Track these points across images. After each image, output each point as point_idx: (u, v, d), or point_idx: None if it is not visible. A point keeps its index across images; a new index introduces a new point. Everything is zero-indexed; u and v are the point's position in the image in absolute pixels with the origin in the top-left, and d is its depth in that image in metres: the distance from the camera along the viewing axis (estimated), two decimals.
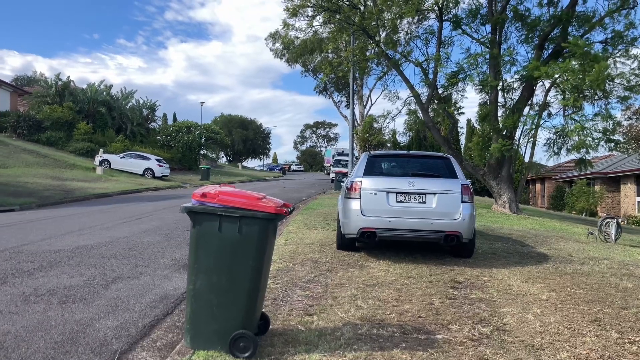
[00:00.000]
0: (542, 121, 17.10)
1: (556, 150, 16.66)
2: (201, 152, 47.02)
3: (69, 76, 44.34)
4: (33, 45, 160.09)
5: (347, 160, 30.28)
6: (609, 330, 4.49)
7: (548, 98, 17.54)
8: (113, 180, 26.41)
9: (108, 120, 39.45)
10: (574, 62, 13.73)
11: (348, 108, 38.42)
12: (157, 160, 32.73)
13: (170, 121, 56.13)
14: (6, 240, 8.64)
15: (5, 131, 34.46)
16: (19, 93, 45.32)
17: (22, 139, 33.31)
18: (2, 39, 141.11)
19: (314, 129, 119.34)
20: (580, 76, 13.50)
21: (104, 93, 40.64)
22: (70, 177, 24.30)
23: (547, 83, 16.88)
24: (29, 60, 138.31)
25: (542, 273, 6.93)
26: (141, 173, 31.42)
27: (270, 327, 4.21)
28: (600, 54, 14.34)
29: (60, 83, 38.89)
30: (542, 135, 22.17)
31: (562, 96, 16.23)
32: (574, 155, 16.59)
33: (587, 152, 15.62)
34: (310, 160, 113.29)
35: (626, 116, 32.12)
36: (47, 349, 3.87)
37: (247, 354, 3.56)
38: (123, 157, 32.05)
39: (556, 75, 14.77)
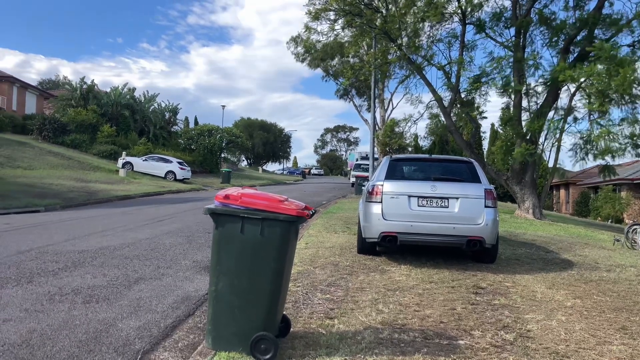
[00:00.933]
0: (567, 126, 16.85)
1: (582, 156, 16.38)
2: (222, 155, 47.40)
3: (93, 80, 45.04)
4: (58, 50, 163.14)
5: (368, 164, 30.20)
6: (636, 339, 4.38)
7: (573, 102, 17.29)
8: (135, 182, 26.73)
9: (131, 123, 40.01)
10: (599, 66, 13.50)
11: (369, 112, 38.38)
12: (179, 163, 33.07)
13: (191, 124, 56.77)
14: (32, 241, 8.79)
15: (31, 134, 35.15)
16: (45, 96, 46.27)
17: (47, 142, 33.94)
18: (29, 44, 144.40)
19: (335, 132, 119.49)
20: (606, 80, 13.27)
21: (127, 96, 41.24)
22: (93, 179, 24.67)
23: (572, 87, 16.62)
24: (55, 64, 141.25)
25: (567, 280, 6.81)
26: (163, 176, 31.77)
27: (291, 329, 4.20)
28: (627, 58, 14.07)
29: (84, 86, 39.59)
30: (567, 140, 21.90)
31: (587, 100, 15.97)
32: (600, 161, 16.29)
33: (613, 158, 15.33)
34: (331, 164, 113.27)
35: None
36: (71, 348, 3.91)
37: (268, 356, 3.56)
38: (145, 159, 32.46)
39: (582, 79, 14.53)
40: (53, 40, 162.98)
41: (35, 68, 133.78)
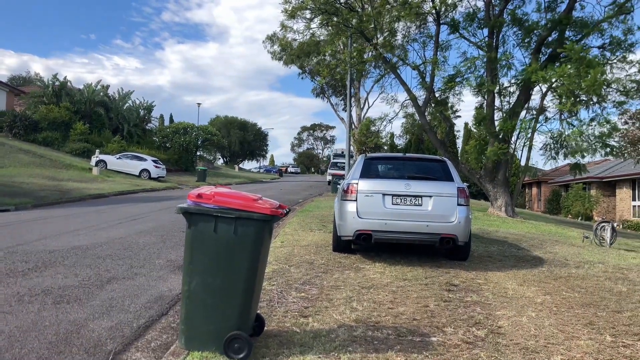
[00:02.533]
0: (538, 125, 17.13)
1: (553, 155, 16.70)
2: (198, 153, 47.00)
3: (65, 76, 44.16)
4: (29, 45, 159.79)
5: (344, 163, 30.30)
6: (603, 334, 4.50)
7: (544, 102, 17.61)
8: (109, 181, 26.35)
9: (105, 120, 39.39)
10: (570, 67, 13.77)
11: (345, 111, 38.48)
12: (154, 161, 32.69)
13: (167, 122, 56.17)
14: (1, 241, 8.61)
15: (2, 131, 34.37)
16: (16, 93, 45.20)
17: (18, 139, 33.22)
18: None
19: (311, 131, 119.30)
20: (577, 81, 13.55)
21: (101, 93, 40.60)
22: (66, 178, 24.23)
23: (544, 87, 16.93)
24: (25, 60, 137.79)
25: (538, 276, 6.94)
26: (137, 174, 31.38)
27: (265, 328, 4.21)
28: (595, 59, 14.39)
29: (57, 83, 38.81)
30: (539, 140, 22.27)
31: (558, 100, 16.27)
32: (570, 160, 16.65)
33: (583, 157, 15.67)
34: (307, 162, 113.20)
35: (622, 120, 32.22)
36: (41, 349, 3.85)
37: (241, 355, 3.56)
38: (119, 157, 32.01)
39: (553, 80, 14.81)
40: (23, 36, 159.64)
41: (4, 64, 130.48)
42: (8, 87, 45.25)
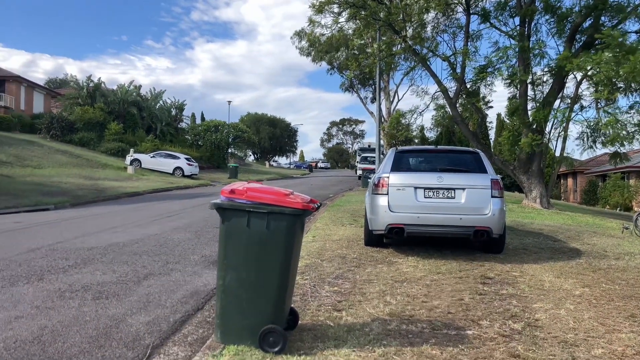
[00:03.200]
0: (573, 114, 16.72)
1: (590, 144, 16.27)
2: (229, 150, 47.49)
3: (99, 77, 45.21)
4: (64, 49, 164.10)
5: (374, 157, 30.15)
6: None
7: (580, 91, 17.15)
8: (144, 179, 26.87)
9: (138, 120, 40.15)
10: (607, 54, 13.36)
11: (374, 104, 38.26)
12: (187, 159, 33.19)
13: (198, 120, 56.83)
14: (42, 238, 8.87)
15: (40, 133, 35.39)
16: (52, 95, 46.53)
17: (55, 140, 34.14)
18: (35, 43, 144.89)
19: (340, 126, 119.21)
20: (614, 68, 13.14)
21: (134, 94, 41.39)
22: (102, 177, 24.81)
23: (579, 76, 16.49)
24: (61, 63, 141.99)
25: (575, 268, 6.79)
26: (171, 172, 31.91)
27: (299, 322, 4.23)
28: (634, 45, 13.92)
29: (91, 85, 39.73)
30: (574, 129, 21.76)
31: (594, 89, 15.83)
32: (609, 149, 16.18)
33: (622, 145, 15.21)
34: (337, 157, 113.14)
35: None
36: (82, 343, 3.96)
37: (276, 349, 3.59)
38: (153, 156, 32.60)
39: (588, 68, 14.40)
40: (58, 39, 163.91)
41: (41, 67, 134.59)
42: (45, 90, 46.61)
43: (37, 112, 41.44)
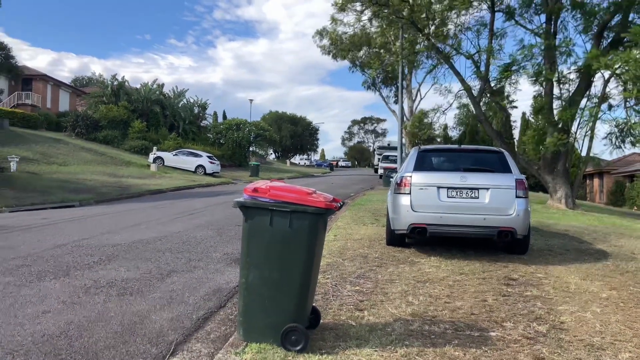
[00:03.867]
0: (600, 114, 16.40)
1: (618, 144, 15.93)
2: (250, 149, 47.74)
3: (123, 76, 45.81)
4: (89, 47, 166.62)
5: (396, 156, 30.00)
6: None
7: (607, 89, 16.81)
8: (166, 177, 27.16)
9: (161, 118, 40.61)
10: (636, 52, 13.07)
11: (397, 103, 38.03)
12: (209, 157, 33.46)
13: (220, 119, 57.29)
14: (68, 235, 9.02)
15: (65, 130, 36.04)
16: (77, 94, 47.37)
17: (80, 138, 34.72)
18: (61, 42, 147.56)
19: (362, 124, 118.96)
20: None
21: (157, 92, 41.86)
22: (126, 174, 25.15)
23: (606, 74, 16.16)
24: (85, 62, 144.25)
25: (602, 271, 6.66)
26: (193, 170, 32.21)
27: (321, 321, 4.23)
28: None
29: (115, 83, 40.29)
30: (601, 129, 21.36)
31: (623, 87, 15.50)
32: (638, 149, 15.85)
33: None
34: (358, 156, 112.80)
35: None
36: (107, 339, 4.02)
37: (298, 347, 3.59)
38: (176, 154, 32.94)
39: (616, 66, 14.10)
40: (83, 39, 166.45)
41: (67, 66, 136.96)
42: (71, 89, 47.45)
43: (63, 110, 42.24)
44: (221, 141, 43.65)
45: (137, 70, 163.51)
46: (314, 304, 4.20)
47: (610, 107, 16.96)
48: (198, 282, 5.84)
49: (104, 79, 41.43)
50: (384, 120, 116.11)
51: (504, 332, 4.17)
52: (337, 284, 5.61)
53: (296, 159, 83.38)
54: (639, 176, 31.75)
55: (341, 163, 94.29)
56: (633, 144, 15.65)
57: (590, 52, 14.81)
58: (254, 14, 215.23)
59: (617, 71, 14.86)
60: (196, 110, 46.24)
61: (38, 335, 4.03)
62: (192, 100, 46.20)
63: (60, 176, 21.39)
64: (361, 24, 22.37)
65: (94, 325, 4.31)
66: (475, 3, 18.66)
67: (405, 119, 36.81)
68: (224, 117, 60.77)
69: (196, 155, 33.35)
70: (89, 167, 25.42)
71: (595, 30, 16.50)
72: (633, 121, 14.75)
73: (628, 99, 15.32)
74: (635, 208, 30.58)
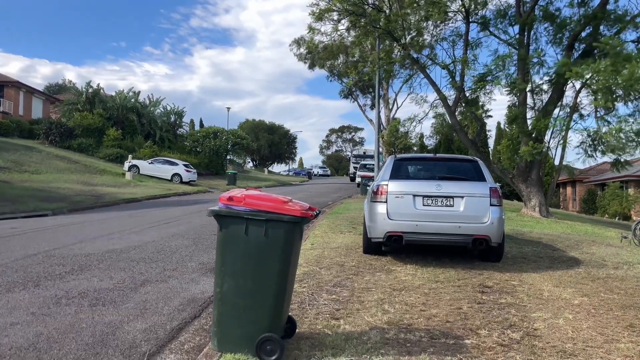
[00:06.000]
0: (572, 123, 16.74)
1: (590, 153, 16.27)
2: (228, 157, 47.46)
3: (98, 84, 45.25)
4: (63, 54, 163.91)
5: (373, 164, 30.16)
6: None
7: (579, 99, 17.19)
8: (142, 185, 26.83)
9: (137, 126, 40.13)
10: (605, 62, 13.41)
11: (373, 111, 38.32)
12: (185, 165, 33.16)
13: (197, 127, 56.93)
14: (39, 244, 8.83)
15: (38, 138, 35.36)
16: (51, 101, 46.57)
17: (54, 146, 34.10)
18: (33, 49, 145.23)
19: (340, 133, 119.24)
20: (613, 76, 13.17)
21: (133, 100, 41.36)
22: (100, 183, 24.77)
23: (578, 84, 16.53)
24: (59, 69, 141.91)
25: (574, 278, 6.77)
26: (169, 178, 31.88)
27: (297, 330, 4.20)
28: (632, 54, 13.97)
29: (90, 91, 39.72)
30: (574, 138, 21.79)
31: (593, 97, 15.86)
32: (608, 158, 16.20)
33: (623, 153, 15.21)
34: (336, 164, 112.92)
35: None
36: (78, 351, 3.93)
37: (273, 357, 3.56)
38: (151, 162, 32.58)
39: (587, 76, 14.44)
40: (57, 45, 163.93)
41: (40, 72, 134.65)
42: (44, 96, 46.64)
43: (36, 117, 41.42)
44: (198, 149, 43.31)
45: (113, 78, 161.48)
46: (290, 313, 4.18)
47: (581, 116, 17.35)
48: (172, 292, 5.76)
49: (75, 86, 40.80)
50: (362, 129, 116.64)
51: (479, 340, 4.20)
52: (314, 292, 5.59)
53: (274, 168, 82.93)
54: (610, 185, 32.45)
55: (319, 171, 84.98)
56: (604, 153, 16.00)
57: (561, 61, 15.13)
58: (231, 22, 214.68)
59: (588, 81, 15.21)
60: (173, 118, 45.83)
61: (5, 348, 3.92)
62: (168, 108, 45.81)
63: (33, 184, 20.96)
64: (338, 33, 22.46)
65: (64, 336, 4.21)
66: (450, 14, 18.96)
67: (382, 127, 37.09)
68: (201, 125, 60.42)
69: (172, 163, 33.03)
70: (62, 176, 24.96)
71: (567, 42, 16.89)
72: (603, 131, 15.08)
73: (598, 109, 15.67)
74: (607, 216, 31.23)
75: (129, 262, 7.42)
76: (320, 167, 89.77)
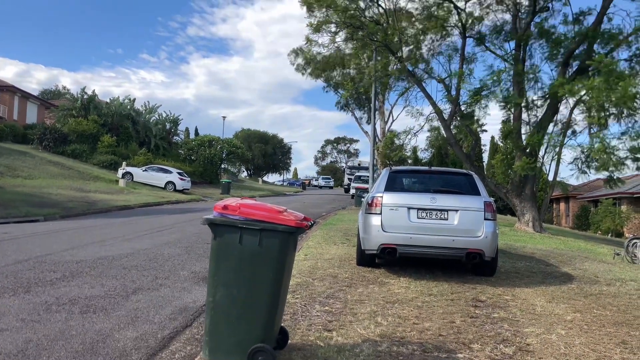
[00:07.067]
0: (566, 139, 16.87)
1: (584, 169, 16.37)
2: (222, 166, 47.42)
3: (93, 90, 45.16)
4: (59, 60, 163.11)
5: (367, 176, 30.20)
6: (636, 354, 4.35)
7: (573, 115, 17.32)
8: (135, 192, 26.72)
9: (132, 133, 40.07)
10: (598, 80, 13.53)
11: (369, 124, 38.44)
12: (179, 173, 33.10)
13: (192, 135, 56.88)
14: (30, 250, 8.76)
15: (32, 143, 35.21)
16: (46, 106, 46.43)
17: (47, 151, 33.97)
18: (29, 53, 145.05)
19: (335, 144, 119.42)
20: (605, 94, 13.29)
21: (128, 107, 41.32)
22: (93, 189, 24.66)
23: (572, 101, 16.67)
24: (55, 74, 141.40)
25: (567, 293, 6.78)
26: (163, 186, 31.79)
27: (289, 341, 4.17)
28: (625, 72, 14.11)
29: (85, 97, 39.67)
30: (567, 154, 21.94)
31: (587, 114, 15.99)
32: (603, 174, 16.29)
33: (616, 170, 15.30)
34: (331, 175, 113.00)
35: None
36: (67, 358, 3.88)
37: None
38: (145, 170, 32.49)
39: (581, 93, 14.57)
40: (53, 51, 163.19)
41: (35, 78, 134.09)
42: (39, 101, 46.51)
43: (31, 122, 41.26)
44: (192, 158, 43.27)
45: (108, 84, 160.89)
46: (282, 324, 4.15)
47: (574, 133, 17.47)
48: (164, 301, 5.72)
49: (70, 92, 40.76)
50: (357, 140, 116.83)
51: (472, 354, 4.18)
52: (307, 304, 5.56)
53: (268, 177, 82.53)
54: (603, 201, 32.60)
55: (321, 182, 79.63)
56: (597, 170, 16.09)
57: (556, 80, 15.27)
58: (229, 31, 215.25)
59: (582, 98, 15.34)
60: (168, 126, 45.79)
61: None
62: (164, 116, 45.78)
63: (25, 190, 20.84)
64: (335, 45, 22.63)
65: (54, 344, 4.17)
66: (448, 28, 19.12)
67: (377, 139, 37.19)
68: (196, 133, 60.35)
69: (166, 171, 32.96)
70: (55, 181, 24.83)
71: (562, 59, 17.04)
72: (596, 147, 15.18)
73: (592, 125, 15.79)
74: (600, 232, 31.34)
75: (120, 269, 7.37)
76: (324, 178, 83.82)
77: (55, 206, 17.58)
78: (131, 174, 31.42)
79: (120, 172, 31.21)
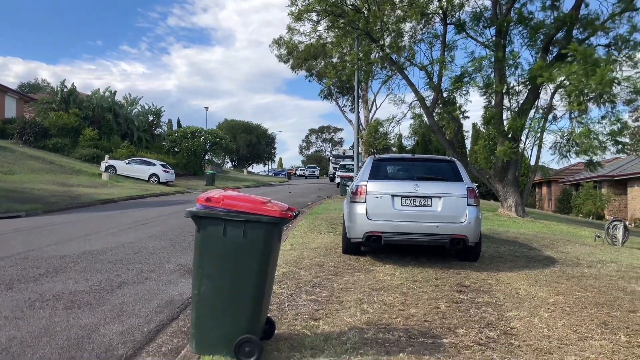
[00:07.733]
0: (547, 124, 17.01)
1: (564, 153, 16.54)
2: (206, 157, 47.17)
3: (73, 83, 44.48)
4: (37, 52, 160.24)
5: (352, 164, 30.26)
6: (617, 334, 4.45)
7: (553, 101, 17.47)
8: (119, 186, 26.48)
9: (114, 126, 39.60)
10: (577, 66, 13.65)
11: (353, 112, 38.45)
12: (163, 165, 32.84)
13: (175, 127, 56.37)
14: (12, 246, 8.66)
15: (12, 138, 34.65)
16: (25, 100, 45.61)
17: (28, 146, 33.46)
18: (6, 46, 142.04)
19: (319, 133, 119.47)
20: (584, 80, 13.42)
21: (109, 100, 40.81)
22: (76, 183, 24.37)
23: (552, 86, 16.80)
24: (33, 67, 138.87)
25: (549, 276, 6.88)
26: (146, 179, 31.54)
27: (276, 331, 4.20)
28: (602, 59, 14.24)
29: (65, 90, 39.07)
30: (549, 138, 22.15)
31: (567, 99, 16.14)
32: (583, 158, 16.49)
33: (595, 154, 15.50)
34: (316, 164, 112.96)
35: (633, 117, 32.06)
36: (52, 355, 3.86)
37: (252, 359, 3.55)
38: (129, 163, 32.19)
39: (560, 79, 14.70)
40: (31, 43, 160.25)
41: (13, 71, 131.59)
42: (18, 94, 45.67)
43: (9, 116, 40.52)
44: (176, 149, 42.94)
45: (89, 77, 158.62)
46: (268, 314, 4.17)
47: (555, 118, 17.64)
48: (150, 294, 5.70)
49: (49, 85, 40.17)
50: (341, 129, 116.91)
51: (457, 339, 4.24)
52: (293, 293, 5.59)
53: (253, 168, 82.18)
54: (584, 185, 33.07)
55: (306, 172, 77.94)
56: (578, 154, 16.28)
57: (536, 64, 15.37)
58: (210, 21, 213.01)
59: (562, 84, 15.48)
60: (150, 118, 45.34)
61: None
62: (146, 108, 45.29)
63: (6, 185, 20.52)
64: (317, 33, 22.54)
65: (38, 340, 4.14)
66: (429, 15, 19.10)
67: (361, 128, 37.22)
68: (179, 125, 59.80)
69: (150, 163, 32.68)
70: (37, 176, 24.48)
71: (542, 44, 17.14)
72: (577, 132, 15.35)
73: (572, 111, 15.95)
74: (581, 215, 31.82)
75: (105, 263, 7.32)
76: (309, 168, 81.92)
77: (37, 201, 17.36)
78: (114, 167, 31.11)
79: (103, 165, 30.88)
